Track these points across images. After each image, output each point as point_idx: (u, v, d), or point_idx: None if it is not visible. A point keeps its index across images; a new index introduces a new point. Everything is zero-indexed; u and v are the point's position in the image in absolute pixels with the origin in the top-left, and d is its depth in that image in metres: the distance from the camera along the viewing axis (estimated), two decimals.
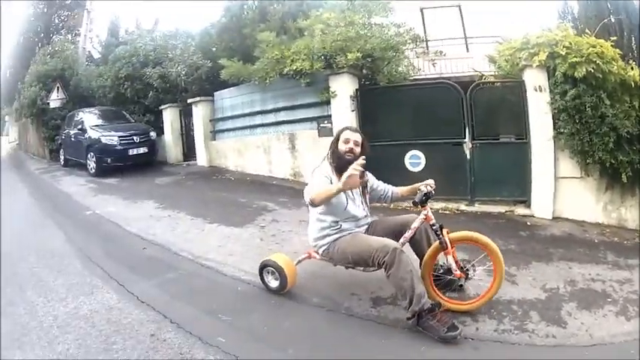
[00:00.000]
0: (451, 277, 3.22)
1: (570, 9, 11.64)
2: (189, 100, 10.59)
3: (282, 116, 8.67)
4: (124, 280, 3.91)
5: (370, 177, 3.61)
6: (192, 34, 12.99)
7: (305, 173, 8.06)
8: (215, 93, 10.43)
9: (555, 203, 5.83)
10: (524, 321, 3.17)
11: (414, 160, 6.62)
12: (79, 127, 10.98)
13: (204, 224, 5.71)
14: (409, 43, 7.85)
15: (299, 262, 3.61)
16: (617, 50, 5.48)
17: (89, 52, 17.67)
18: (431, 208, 3.22)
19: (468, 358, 2.74)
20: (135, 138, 10.34)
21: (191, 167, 10.59)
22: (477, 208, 6.24)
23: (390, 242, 2.99)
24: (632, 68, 5.49)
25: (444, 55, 8.94)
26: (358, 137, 3.36)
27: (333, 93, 7.29)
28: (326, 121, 7.56)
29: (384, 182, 3.72)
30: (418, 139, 6.65)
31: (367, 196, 3.52)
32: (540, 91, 5.75)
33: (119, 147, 10.04)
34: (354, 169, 2.82)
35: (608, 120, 5.25)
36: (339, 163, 3.29)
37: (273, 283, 3.55)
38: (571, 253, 4.61)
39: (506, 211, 6.04)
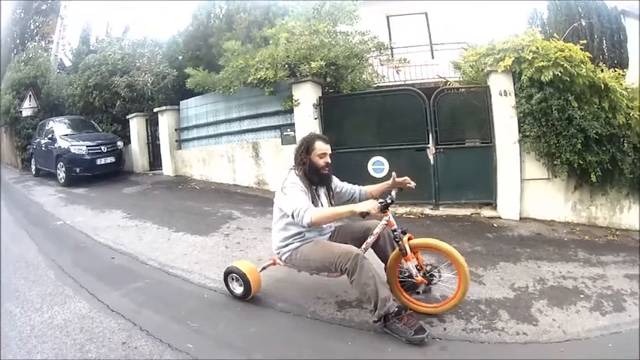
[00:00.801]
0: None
1: (539, 14, 11.82)
2: (155, 109, 10.40)
3: (246, 125, 8.57)
4: (95, 290, 3.89)
5: (334, 180, 3.51)
6: (160, 42, 12.84)
7: (269, 181, 7.97)
8: (181, 102, 10.26)
9: (522, 204, 5.85)
10: (492, 320, 3.12)
11: (378, 165, 6.58)
12: (50, 136, 10.74)
13: (170, 233, 5.62)
14: (373, 51, 7.86)
15: (263, 268, 3.59)
16: (587, 53, 5.53)
17: (61, 59, 17.25)
18: (395, 213, 3.13)
19: (435, 358, 2.68)
20: (102, 148, 10.15)
21: (157, 176, 10.38)
22: (442, 211, 6.20)
23: (351, 248, 2.93)
24: (602, 70, 5.57)
25: (408, 62, 8.99)
26: (329, 148, 3.29)
27: (296, 101, 7.21)
28: (289, 129, 7.49)
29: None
30: (381, 146, 6.62)
31: (333, 203, 3.41)
32: (505, 95, 5.78)
33: (87, 157, 9.85)
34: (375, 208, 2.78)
35: (576, 122, 5.28)
36: (317, 178, 3.23)
37: (238, 290, 3.53)
38: (540, 252, 4.60)
39: (472, 214, 6.02)
